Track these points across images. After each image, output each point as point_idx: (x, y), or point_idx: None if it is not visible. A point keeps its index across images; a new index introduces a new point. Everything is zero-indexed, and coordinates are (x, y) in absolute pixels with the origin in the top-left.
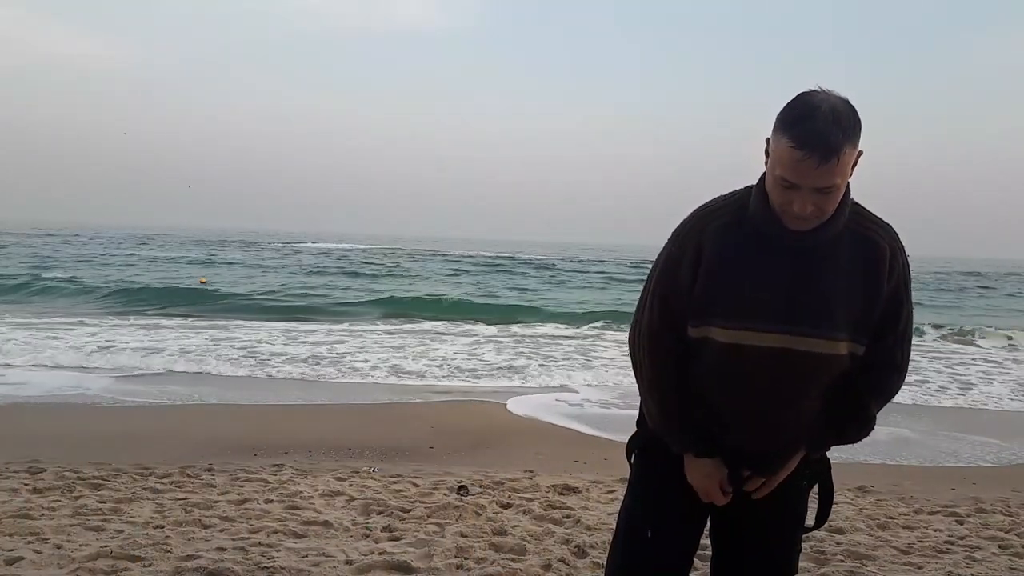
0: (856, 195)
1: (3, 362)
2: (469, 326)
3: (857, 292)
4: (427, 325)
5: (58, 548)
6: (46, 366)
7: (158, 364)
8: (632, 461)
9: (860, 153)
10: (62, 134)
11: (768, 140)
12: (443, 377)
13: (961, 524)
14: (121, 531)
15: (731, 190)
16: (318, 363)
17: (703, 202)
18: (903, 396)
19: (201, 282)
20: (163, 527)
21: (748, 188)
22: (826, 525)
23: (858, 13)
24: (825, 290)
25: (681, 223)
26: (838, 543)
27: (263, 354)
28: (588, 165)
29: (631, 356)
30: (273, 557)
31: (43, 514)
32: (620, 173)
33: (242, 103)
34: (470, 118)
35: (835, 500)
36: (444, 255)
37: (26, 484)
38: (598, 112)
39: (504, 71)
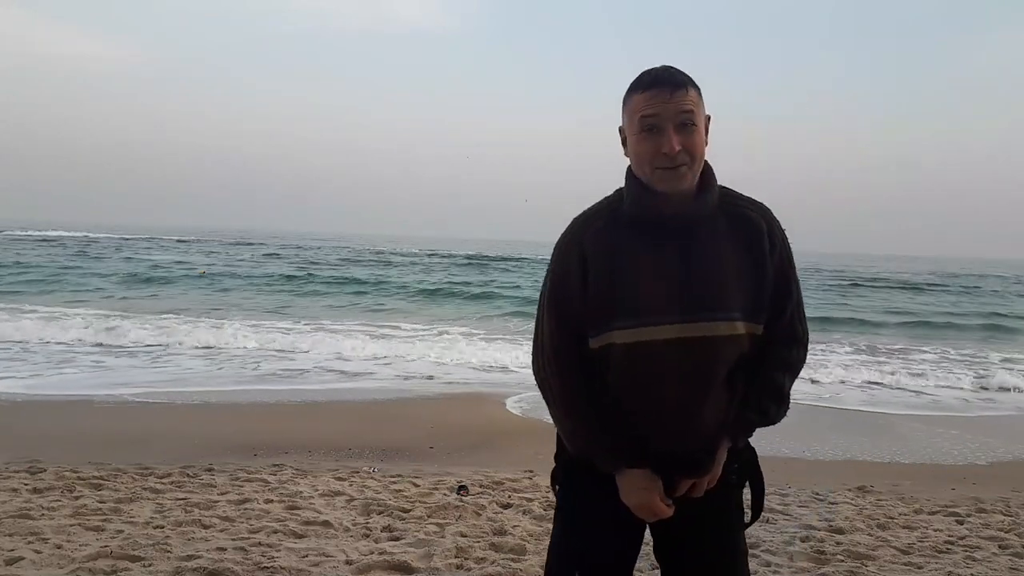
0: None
1: None
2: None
3: (745, 271)
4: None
5: (58, 548)
6: None
7: None
8: (556, 490)
9: (709, 118)
10: (61, 134)
11: (621, 128)
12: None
13: (961, 524)
14: (121, 531)
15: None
16: None
17: (577, 213)
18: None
19: (201, 273)
20: (163, 527)
21: (618, 190)
22: (826, 525)
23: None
24: (713, 274)
25: (560, 237)
26: (838, 543)
27: None
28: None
29: (537, 380)
30: (273, 557)
31: (43, 514)
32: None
33: (241, 102)
34: (471, 117)
35: (835, 500)
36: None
37: (26, 484)
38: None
39: (504, 70)
